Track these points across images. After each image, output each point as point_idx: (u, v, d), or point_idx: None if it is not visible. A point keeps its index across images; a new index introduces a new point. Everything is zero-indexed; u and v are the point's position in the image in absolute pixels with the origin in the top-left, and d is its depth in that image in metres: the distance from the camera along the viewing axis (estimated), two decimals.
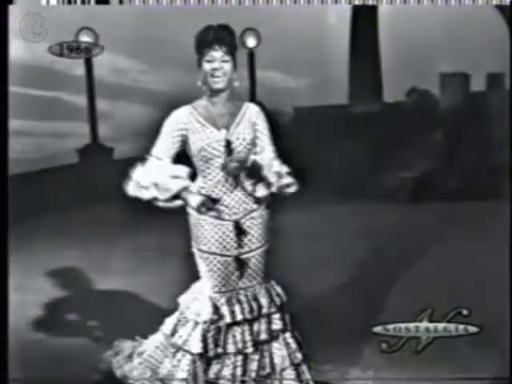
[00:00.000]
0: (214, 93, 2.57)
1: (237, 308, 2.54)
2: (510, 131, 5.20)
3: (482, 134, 6.77)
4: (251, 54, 8.12)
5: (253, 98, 7.56)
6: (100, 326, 3.49)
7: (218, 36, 2.54)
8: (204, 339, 2.52)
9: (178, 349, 2.56)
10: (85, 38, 6.84)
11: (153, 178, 2.51)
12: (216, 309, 2.54)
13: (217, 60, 2.53)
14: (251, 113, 2.61)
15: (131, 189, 2.55)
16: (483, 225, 4.94)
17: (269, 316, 2.59)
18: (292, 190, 2.59)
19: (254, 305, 2.57)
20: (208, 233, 2.55)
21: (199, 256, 2.60)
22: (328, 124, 7.35)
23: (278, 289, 2.67)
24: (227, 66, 2.54)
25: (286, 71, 8.10)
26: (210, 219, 2.54)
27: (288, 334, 2.63)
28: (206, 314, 2.54)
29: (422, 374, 2.81)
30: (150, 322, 2.77)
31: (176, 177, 2.51)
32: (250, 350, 2.54)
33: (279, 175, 2.55)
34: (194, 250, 2.63)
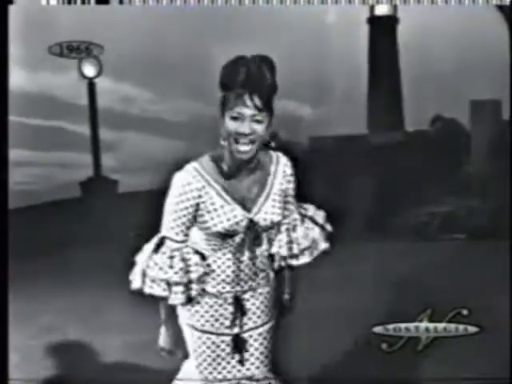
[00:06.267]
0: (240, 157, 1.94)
1: None
2: None
3: None
4: None
5: None
6: None
7: (251, 80, 1.83)
8: None
9: None
10: (89, 70, 6.89)
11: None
12: None
13: (246, 119, 1.85)
14: (282, 174, 2.04)
15: (146, 286, 2.02)
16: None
17: None
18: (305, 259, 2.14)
19: None
20: (201, 306, 2.06)
21: (189, 332, 2.11)
22: (345, 155, 7.30)
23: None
24: (261, 129, 1.87)
25: (300, 99, 8.09)
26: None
27: None
28: None
29: (422, 374, 2.85)
30: None
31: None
32: None
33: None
34: (183, 323, 2.13)
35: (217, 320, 2.07)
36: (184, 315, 2.12)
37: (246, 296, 2.08)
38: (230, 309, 2.06)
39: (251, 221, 1.98)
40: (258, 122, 1.86)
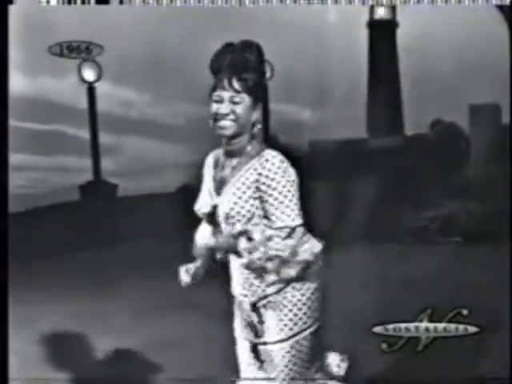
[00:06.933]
0: (226, 139, 2.01)
1: None
2: None
3: None
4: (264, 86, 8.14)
5: (266, 132, 7.56)
6: None
7: (234, 64, 1.94)
8: None
9: None
10: (89, 74, 6.91)
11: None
12: None
13: (224, 101, 1.95)
14: (257, 166, 1.97)
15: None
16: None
17: None
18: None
19: None
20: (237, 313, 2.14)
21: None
22: (345, 159, 7.31)
23: None
24: (240, 109, 1.95)
25: (300, 102, 8.11)
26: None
27: None
28: None
29: (422, 375, 2.86)
30: None
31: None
32: None
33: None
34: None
35: (239, 324, 2.13)
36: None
37: (261, 306, 2.02)
38: (245, 315, 2.05)
39: (213, 209, 2.04)
40: (236, 103, 1.96)
